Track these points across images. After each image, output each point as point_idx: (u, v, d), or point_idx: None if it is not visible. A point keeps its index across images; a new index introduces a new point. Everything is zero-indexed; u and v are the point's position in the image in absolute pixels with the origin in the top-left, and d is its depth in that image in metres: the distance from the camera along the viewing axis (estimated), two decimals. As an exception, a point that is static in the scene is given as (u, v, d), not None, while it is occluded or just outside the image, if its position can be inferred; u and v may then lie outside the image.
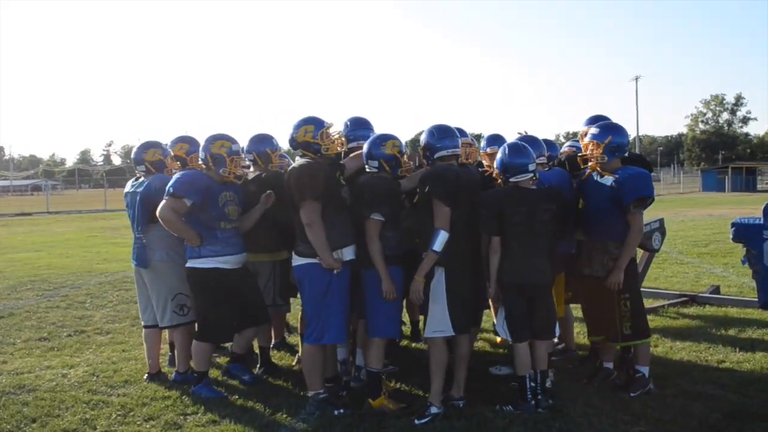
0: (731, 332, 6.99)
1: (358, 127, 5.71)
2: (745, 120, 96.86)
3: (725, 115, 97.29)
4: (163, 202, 5.14)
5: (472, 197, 4.98)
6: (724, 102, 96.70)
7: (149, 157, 5.83)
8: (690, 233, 17.73)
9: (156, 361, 5.91)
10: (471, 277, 4.97)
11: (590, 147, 5.29)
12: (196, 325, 5.56)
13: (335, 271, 4.82)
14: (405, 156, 5.15)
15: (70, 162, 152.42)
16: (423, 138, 5.11)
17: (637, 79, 78.13)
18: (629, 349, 5.51)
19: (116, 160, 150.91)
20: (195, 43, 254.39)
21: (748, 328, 7.13)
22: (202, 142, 5.45)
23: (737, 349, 6.29)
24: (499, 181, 5.16)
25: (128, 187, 5.96)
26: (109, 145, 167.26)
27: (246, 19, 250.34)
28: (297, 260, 4.98)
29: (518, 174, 4.98)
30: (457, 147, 5.05)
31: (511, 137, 6.10)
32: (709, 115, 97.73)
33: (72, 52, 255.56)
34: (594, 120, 5.80)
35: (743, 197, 40.62)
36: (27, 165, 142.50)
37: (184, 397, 5.32)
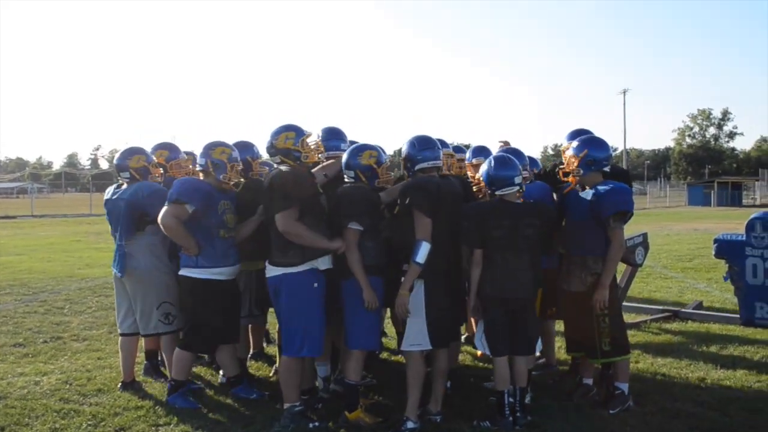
0: (713, 349, 6.96)
1: (331, 137, 5.64)
2: (731, 135, 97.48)
3: (712, 130, 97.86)
4: (165, 209, 5.05)
5: (453, 209, 4.93)
6: (711, 117, 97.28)
7: (134, 164, 5.70)
8: (675, 247, 17.76)
9: (131, 370, 5.81)
10: (451, 290, 4.91)
11: (570, 160, 5.28)
12: (181, 333, 5.46)
13: (317, 282, 4.79)
14: (384, 167, 5.10)
15: (57, 165, 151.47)
16: (404, 149, 5.07)
17: (625, 92, 78.46)
18: (609, 365, 5.47)
19: (104, 165, 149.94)
20: (184, 49, 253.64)
21: (730, 344, 7.09)
22: (198, 149, 5.38)
23: (718, 366, 6.25)
24: (483, 194, 5.13)
25: (109, 194, 5.83)
26: (97, 149, 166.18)
27: (236, 25, 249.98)
28: (272, 270, 4.90)
29: (504, 187, 4.94)
30: (437, 159, 5.01)
31: (495, 147, 6.09)
32: (696, 129, 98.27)
33: (60, 54, 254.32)
34: (575, 134, 5.78)
35: (729, 212, 40.78)
36: (13, 167, 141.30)
37: (157, 407, 5.22)
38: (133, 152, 5.78)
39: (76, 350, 7.09)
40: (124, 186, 5.73)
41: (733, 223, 27.40)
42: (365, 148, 5.11)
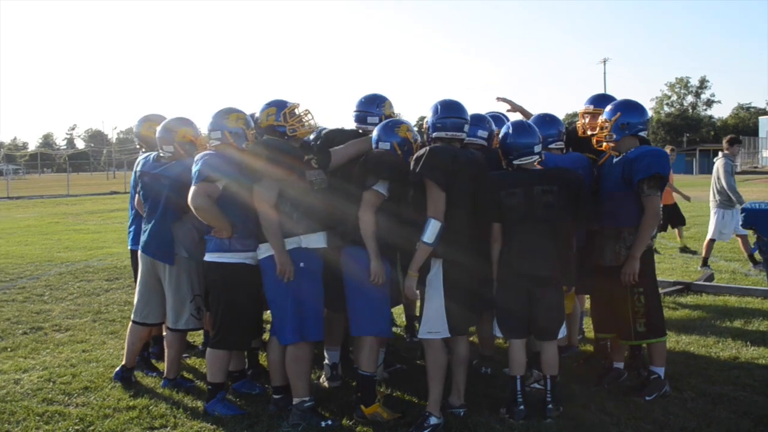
0: (737, 324, 6.60)
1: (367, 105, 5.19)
2: (709, 103, 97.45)
3: (690, 98, 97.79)
4: (194, 188, 4.45)
5: (474, 182, 4.45)
6: (689, 85, 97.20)
7: (180, 138, 5.08)
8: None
9: (134, 356, 5.33)
10: (473, 271, 4.45)
11: (602, 125, 4.85)
12: (212, 330, 4.81)
13: (283, 276, 4.37)
14: (417, 144, 4.68)
15: (33, 146, 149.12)
16: (429, 115, 4.62)
17: (605, 61, 78.44)
18: (640, 347, 5.07)
19: (80, 144, 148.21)
20: (164, 27, 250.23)
21: (754, 319, 6.74)
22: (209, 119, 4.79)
23: (748, 343, 5.90)
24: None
25: (145, 166, 5.24)
26: (73, 128, 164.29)
27: (219, 10, 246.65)
28: (262, 249, 4.48)
29: (523, 156, 4.51)
30: (460, 130, 4.55)
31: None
32: (674, 97, 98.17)
33: (33, 33, 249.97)
34: (598, 99, 5.37)
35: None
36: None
37: (151, 407, 4.73)
38: (180, 124, 5.15)
39: (58, 342, 6.57)
40: (166, 161, 5.12)
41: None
42: (402, 122, 4.77)
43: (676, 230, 12.12)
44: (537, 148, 4.54)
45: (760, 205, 6.44)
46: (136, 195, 5.41)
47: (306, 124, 4.67)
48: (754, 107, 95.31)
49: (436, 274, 4.36)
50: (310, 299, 4.47)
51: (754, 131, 67.12)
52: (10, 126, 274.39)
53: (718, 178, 10.27)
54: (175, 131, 5.09)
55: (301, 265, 4.43)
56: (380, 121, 4.97)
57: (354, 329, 4.65)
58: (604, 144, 4.86)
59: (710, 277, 8.82)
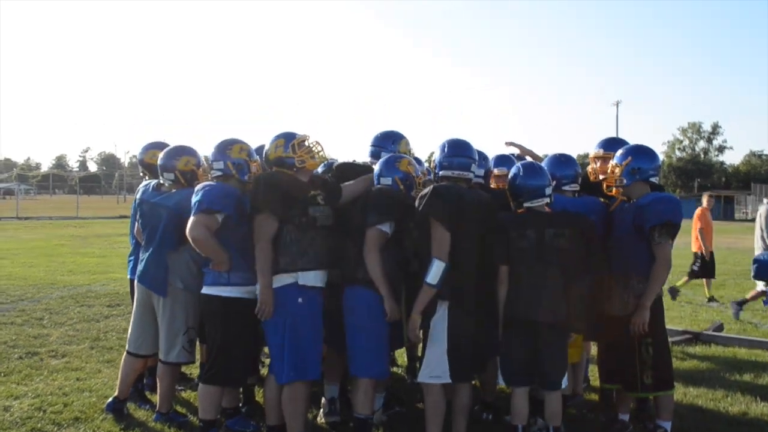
0: (746, 377, 6.43)
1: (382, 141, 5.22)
2: (721, 149, 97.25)
3: (702, 143, 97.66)
4: (193, 219, 4.37)
5: (481, 223, 4.37)
6: (701, 130, 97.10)
7: (182, 166, 5.00)
8: (677, 262, 17.02)
9: (128, 388, 5.21)
10: (479, 315, 4.34)
11: (612, 169, 4.77)
12: (207, 364, 4.66)
13: (261, 314, 4.29)
14: (420, 179, 4.64)
15: (46, 167, 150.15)
16: (436, 153, 4.56)
17: (618, 104, 78.24)
18: (647, 399, 4.92)
19: (92, 167, 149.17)
20: (174, 51, 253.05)
21: (764, 373, 6.56)
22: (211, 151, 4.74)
23: (758, 398, 5.71)
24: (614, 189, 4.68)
25: (146, 193, 5.15)
26: (86, 151, 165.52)
27: (227, 26, 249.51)
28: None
29: (534, 198, 4.42)
30: (466, 169, 4.49)
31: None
32: (686, 142, 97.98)
33: (50, 55, 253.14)
34: (608, 143, 5.29)
35: (723, 226, 40.31)
36: (1, 168, 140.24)
37: (141, 441, 4.62)
38: (182, 152, 5.07)
39: (53, 369, 6.46)
40: (166, 189, 5.07)
41: (729, 237, 27.17)
42: (402, 156, 4.74)
43: (704, 280, 11.93)
44: (548, 191, 4.45)
45: (774, 257, 6.33)
46: (136, 223, 5.32)
47: (316, 156, 4.59)
48: (766, 154, 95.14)
49: (441, 317, 4.25)
50: (308, 337, 4.36)
51: (765, 178, 66.90)
52: (25, 147, 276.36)
53: (765, 225, 10.00)
54: (177, 159, 5.02)
55: (300, 300, 4.33)
56: None
57: (352, 369, 4.54)
58: (614, 189, 4.77)
59: (720, 327, 8.64)
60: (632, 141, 4.97)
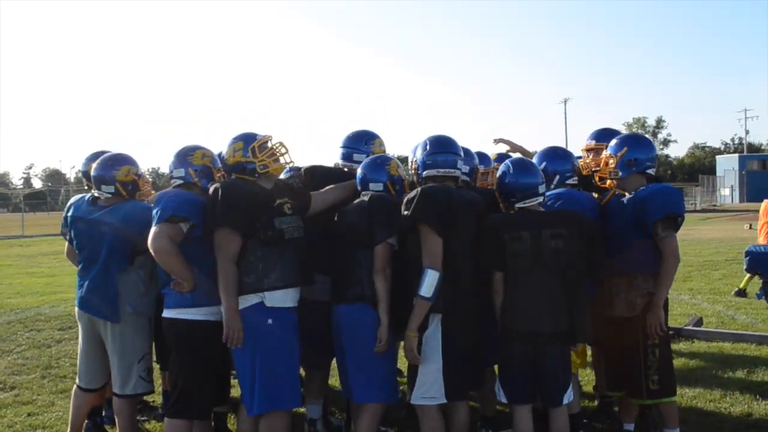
0: (740, 374, 6.19)
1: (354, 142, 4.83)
2: (666, 142, 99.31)
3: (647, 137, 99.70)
4: (155, 229, 3.89)
5: (477, 225, 4.00)
6: (646, 125, 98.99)
7: (122, 177, 4.51)
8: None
9: (81, 422, 4.72)
10: (475, 328, 3.98)
11: (606, 161, 4.47)
12: (171, 395, 4.19)
13: (230, 342, 3.84)
14: (407, 181, 4.32)
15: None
16: (417, 153, 4.17)
17: (566, 101, 79.37)
18: (649, 407, 4.61)
19: (37, 184, 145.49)
20: (119, 61, 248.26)
21: (756, 368, 6.32)
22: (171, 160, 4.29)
23: (758, 397, 5.47)
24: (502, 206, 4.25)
25: (80, 210, 4.58)
26: (29, 167, 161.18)
27: (226, 26, 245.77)
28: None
29: (526, 198, 4.05)
30: (453, 167, 4.12)
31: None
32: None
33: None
34: (601, 134, 4.99)
35: (676, 218, 41.02)
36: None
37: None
38: (122, 161, 4.58)
39: (1, 403, 5.89)
40: (104, 203, 4.54)
41: (684, 228, 27.25)
42: (389, 158, 4.37)
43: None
44: (541, 189, 4.10)
45: (766, 249, 6.11)
46: (67, 244, 4.80)
47: (280, 158, 4.15)
48: (709, 147, 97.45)
49: (434, 331, 3.87)
50: (283, 362, 3.92)
51: (710, 170, 68.18)
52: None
53: None
54: (117, 169, 4.52)
55: (269, 322, 3.88)
56: None
57: (357, 397, 4.09)
58: (608, 181, 4.46)
59: (699, 322, 8.46)
60: (581, 138, 4.68)
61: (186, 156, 4.26)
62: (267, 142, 4.12)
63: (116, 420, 4.57)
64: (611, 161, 4.42)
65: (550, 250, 3.95)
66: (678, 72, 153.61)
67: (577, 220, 4.07)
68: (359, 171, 4.32)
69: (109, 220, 4.40)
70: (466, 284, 3.93)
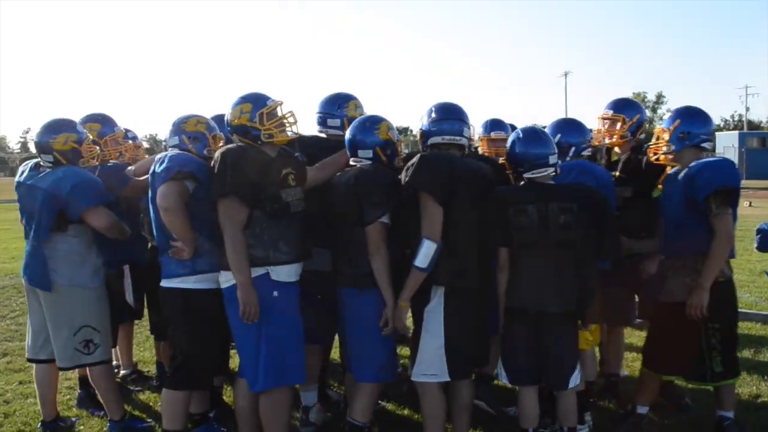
0: (746, 354, 6.01)
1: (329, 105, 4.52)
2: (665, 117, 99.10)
3: (647, 113, 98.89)
4: (163, 187, 3.72)
5: (480, 196, 3.79)
6: (646, 100, 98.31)
7: (59, 145, 4.29)
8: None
9: (52, 405, 4.55)
10: (480, 303, 3.82)
11: (659, 134, 4.26)
12: (171, 366, 4.03)
13: (247, 317, 3.63)
14: (400, 142, 4.05)
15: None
16: (423, 120, 3.98)
17: (566, 74, 78.64)
18: (672, 385, 4.51)
19: (34, 148, 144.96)
20: (118, 29, 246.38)
21: (762, 348, 6.19)
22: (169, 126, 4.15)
23: (765, 378, 5.34)
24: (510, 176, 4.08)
25: (22, 176, 4.43)
26: (27, 132, 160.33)
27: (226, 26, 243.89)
28: (226, 277, 3.73)
29: (535, 167, 3.86)
30: (459, 134, 3.90)
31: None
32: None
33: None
34: (619, 104, 4.87)
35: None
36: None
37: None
38: (59, 128, 4.35)
39: (-8, 370, 5.77)
40: (45, 170, 4.36)
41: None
42: (379, 119, 4.02)
43: None
44: (552, 159, 3.90)
45: (779, 226, 5.92)
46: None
47: (287, 129, 3.92)
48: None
49: (436, 306, 3.70)
50: (289, 336, 3.77)
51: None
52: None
53: None
54: (54, 137, 4.31)
55: (275, 294, 3.70)
56: (342, 124, 4.37)
57: (357, 375, 3.95)
58: (662, 157, 4.24)
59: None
60: (580, 112, 4.48)
61: (180, 124, 4.10)
62: (277, 108, 3.89)
63: (97, 392, 4.50)
64: (665, 135, 4.20)
65: (558, 225, 3.76)
66: (678, 47, 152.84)
67: (588, 194, 3.89)
68: (348, 133, 4.07)
69: (40, 185, 4.24)
70: (472, 257, 3.74)
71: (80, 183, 4.15)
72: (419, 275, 3.64)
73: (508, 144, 4.08)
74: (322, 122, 4.53)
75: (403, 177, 3.71)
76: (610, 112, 4.79)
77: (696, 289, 3.95)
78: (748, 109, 78.94)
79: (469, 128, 4.00)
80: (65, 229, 4.15)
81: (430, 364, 3.75)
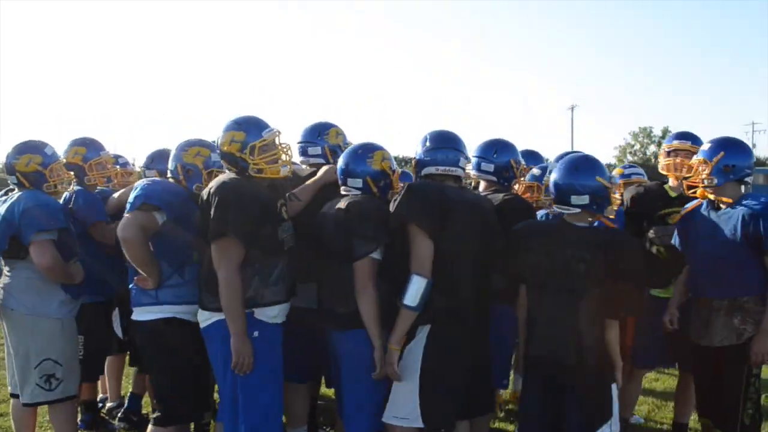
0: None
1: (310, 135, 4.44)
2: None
3: (652, 148, 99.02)
4: (127, 218, 3.61)
5: (482, 229, 3.59)
6: (652, 135, 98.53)
7: (22, 167, 4.13)
8: None
9: None
10: (470, 345, 3.56)
11: (698, 167, 4.01)
12: (153, 402, 3.91)
13: (240, 369, 3.46)
14: (397, 174, 3.82)
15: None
16: (417, 149, 3.80)
17: (572, 108, 78.68)
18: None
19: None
20: (115, 30, 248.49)
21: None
22: (172, 151, 4.04)
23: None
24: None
25: None
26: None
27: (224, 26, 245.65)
28: (204, 316, 3.55)
29: (559, 202, 3.54)
30: (454, 165, 3.69)
31: None
32: (637, 146, 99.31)
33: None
34: (683, 135, 4.76)
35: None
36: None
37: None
38: (25, 149, 4.19)
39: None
40: (14, 192, 4.21)
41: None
42: (374, 147, 3.81)
43: None
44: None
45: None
46: None
47: (281, 165, 3.72)
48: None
49: (417, 343, 3.47)
50: (266, 385, 3.55)
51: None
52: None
53: None
54: (17, 159, 4.16)
55: (255, 334, 3.50)
56: (323, 152, 4.21)
57: (349, 425, 3.71)
58: (700, 190, 4.02)
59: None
60: (586, 145, 4.25)
61: (182, 150, 3.98)
62: (273, 141, 3.71)
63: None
64: (706, 168, 3.96)
65: (569, 270, 3.42)
66: (685, 83, 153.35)
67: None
68: (340, 160, 3.88)
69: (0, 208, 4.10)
70: (464, 293, 3.51)
71: (31, 207, 3.95)
72: (409, 315, 3.43)
73: (552, 177, 3.68)
74: (303, 152, 4.39)
75: (392, 207, 3.53)
76: (689, 143, 4.61)
77: (758, 334, 3.74)
78: (754, 145, 78.63)
79: (466, 158, 3.82)
80: (24, 257, 3.96)
81: (402, 405, 3.50)
